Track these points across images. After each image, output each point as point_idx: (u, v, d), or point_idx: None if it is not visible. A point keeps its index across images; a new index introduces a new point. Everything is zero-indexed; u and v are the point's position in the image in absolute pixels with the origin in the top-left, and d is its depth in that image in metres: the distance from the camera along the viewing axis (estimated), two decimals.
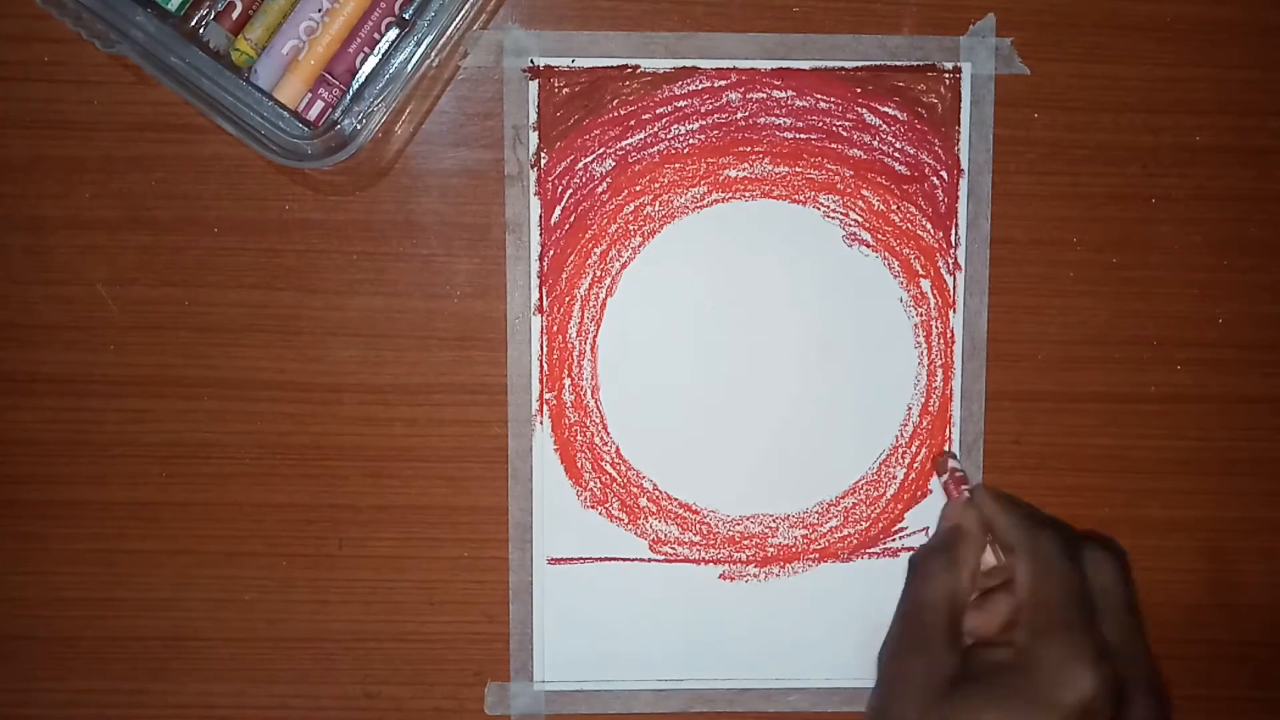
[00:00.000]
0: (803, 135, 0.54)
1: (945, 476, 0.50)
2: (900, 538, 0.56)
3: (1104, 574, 0.41)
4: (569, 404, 0.54)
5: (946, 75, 0.54)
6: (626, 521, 0.55)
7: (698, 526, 0.55)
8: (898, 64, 0.53)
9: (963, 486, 0.48)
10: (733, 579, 0.55)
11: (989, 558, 0.46)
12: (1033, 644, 0.39)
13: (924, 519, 0.55)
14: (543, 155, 0.54)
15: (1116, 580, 0.41)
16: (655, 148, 0.54)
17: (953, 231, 0.54)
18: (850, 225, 0.54)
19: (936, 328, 0.55)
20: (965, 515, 0.45)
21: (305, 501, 0.55)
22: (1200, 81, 0.54)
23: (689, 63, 0.53)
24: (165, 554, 0.55)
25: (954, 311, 0.55)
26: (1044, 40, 0.54)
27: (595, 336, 0.54)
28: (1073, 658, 0.38)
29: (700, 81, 0.53)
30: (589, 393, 0.55)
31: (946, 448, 0.55)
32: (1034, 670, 0.38)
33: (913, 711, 0.39)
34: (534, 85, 0.53)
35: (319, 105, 0.51)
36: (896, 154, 0.54)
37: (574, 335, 0.54)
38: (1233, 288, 0.55)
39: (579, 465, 0.55)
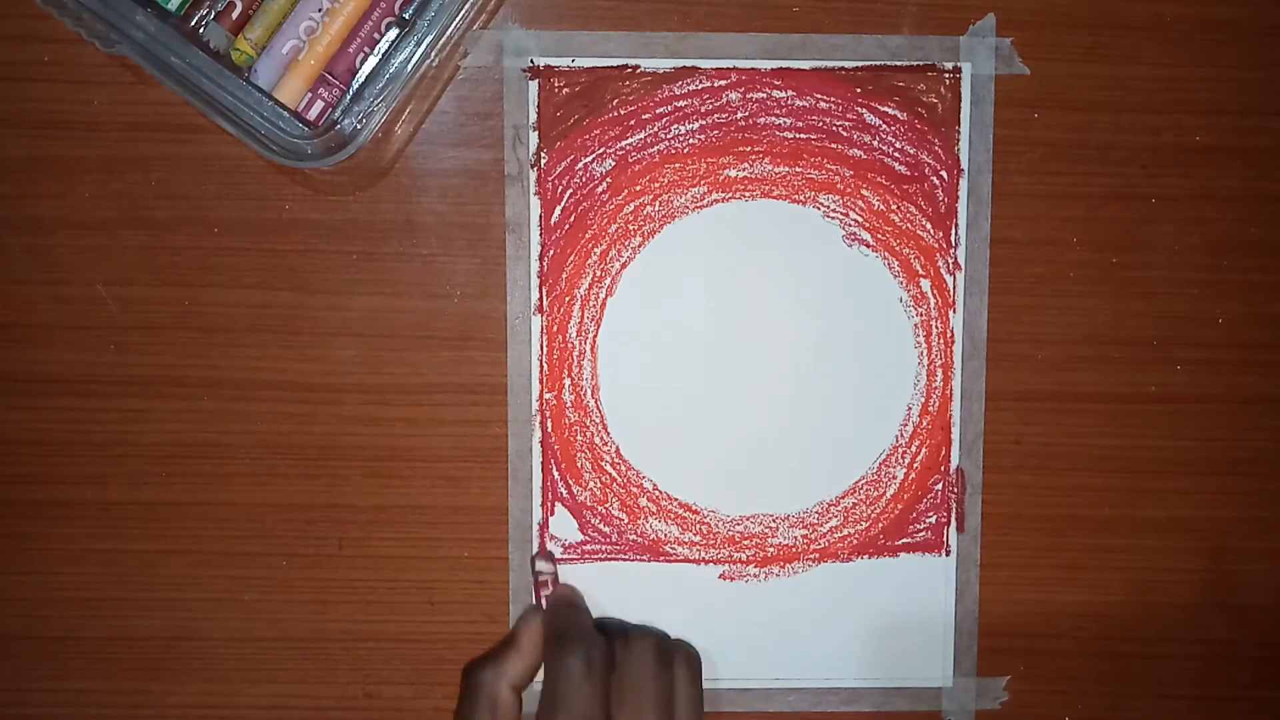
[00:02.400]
0: (803, 135, 0.54)
1: (532, 578, 0.53)
2: (902, 538, 0.56)
3: (632, 670, 0.43)
4: (569, 404, 0.54)
5: (946, 75, 0.54)
6: (626, 521, 0.55)
7: (698, 526, 0.55)
8: (898, 64, 0.53)
9: (542, 593, 0.51)
10: (733, 579, 0.55)
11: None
12: None
13: (924, 519, 0.56)
14: (543, 155, 0.54)
15: (644, 676, 0.43)
16: (655, 148, 0.54)
17: (953, 231, 0.54)
18: (850, 225, 0.54)
19: (936, 328, 0.55)
20: (528, 623, 0.46)
21: (305, 501, 0.55)
22: (1200, 81, 0.54)
23: (689, 63, 0.53)
24: (165, 554, 0.55)
25: (954, 311, 0.55)
26: (1044, 40, 0.54)
27: (595, 336, 0.54)
28: None
29: (700, 81, 0.53)
30: (589, 393, 0.55)
31: (539, 551, 0.55)
32: None
33: None
34: (534, 85, 0.53)
35: (319, 105, 0.51)
36: (896, 154, 0.54)
37: (574, 335, 0.54)
38: (1233, 288, 0.55)
39: (579, 465, 0.55)
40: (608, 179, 0.54)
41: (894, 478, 0.55)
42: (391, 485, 0.55)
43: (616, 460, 0.55)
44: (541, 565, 0.53)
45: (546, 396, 0.54)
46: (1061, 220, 0.55)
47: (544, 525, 0.54)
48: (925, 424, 0.55)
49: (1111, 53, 0.54)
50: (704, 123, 0.54)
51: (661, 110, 0.54)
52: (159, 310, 0.54)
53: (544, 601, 0.52)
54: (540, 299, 0.54)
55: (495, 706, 0.42)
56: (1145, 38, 0.54)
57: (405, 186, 0.54)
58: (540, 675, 0.46)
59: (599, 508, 0.55)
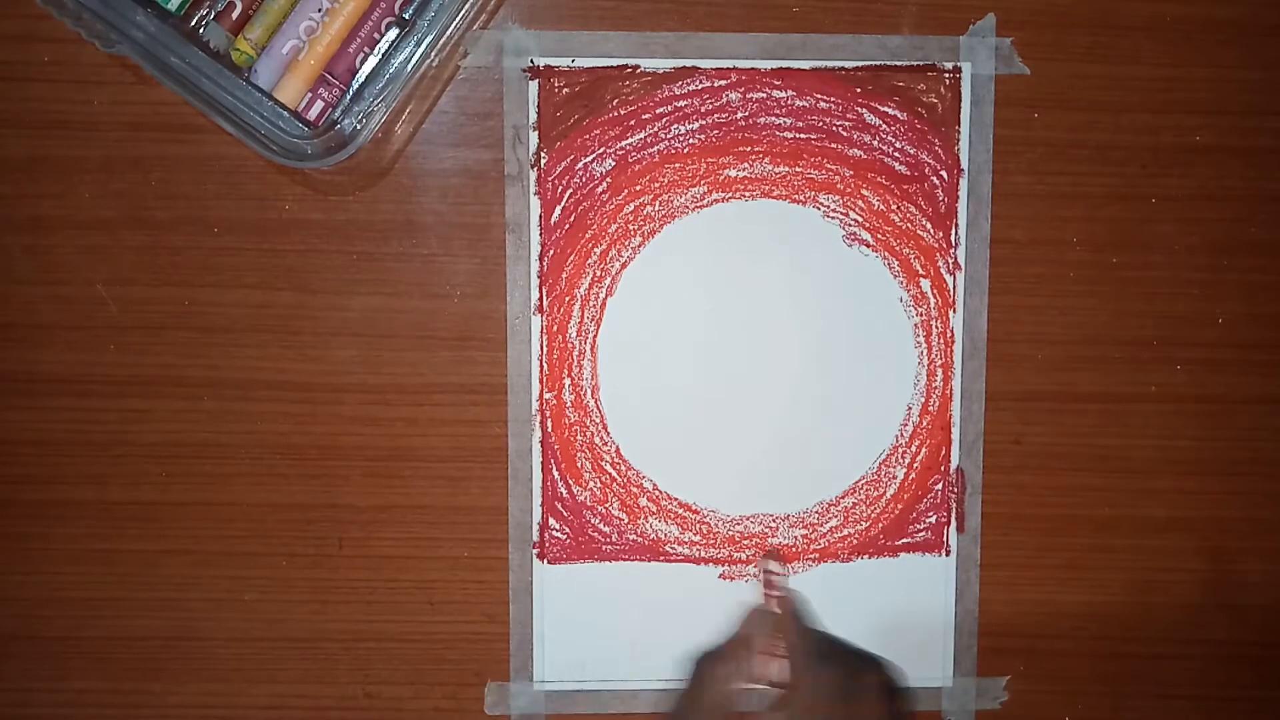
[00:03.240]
0: (803, 135, 0.54)
1: (762, 577, 0.52)
2: (902, 538, 0.56)
3: (869, 703, 0.43)
4: (569, 404, 0.54)
5: (946, 75, 0.54)
6: (626, 521, 0.55)
7: (698, 526, 0.55)
8: (898, 64, 0.53)
9: (773, 592, 0.50)
10: (733, 579, 0.55)
11: (775, 670, 0.48)
12: None
13: (924, 519, 0.55)
14: (543, 155, 0.54)
15: (880, 703, 0.43)
16: (655, 148, 0.54)
17: (953, 231, 0.54)
18: (850, 225, 0.54)
19: (936, 328, 0.55)
20: (761, 625, 0.47)
21: (305, 501, 0.55)
22: (1200, 81, 0.54)
23: (689, 63, 0.53)
24: (165, 554, 0.55)
25: (954, 311, 0.55)
26: (1044, 40, 0.54)
27: (595, 336, 0.54)
28: None
29: (700, 81, 0.53)
30: (589, 393, 0.55)
31: (769, 549, 0.55)
32: None
33: None
34: (534, 85, 0.53)
35: (319, 105, 0.51)
36: (896, 154, 0.54)
37: (574, 335, 0.54)
38: (1233, 288, 0.55)
39: (579, 465, 0.55)
40: (608, 179, 0.54)
41: (894, 478, 0.55)
42: (391, 485, 0.55)
43: (616, 460, 0.55)
44: (772, 566, 0.53)
45: (546, 396, 0.54)
46: (1061, 220, 0.55)
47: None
48: (925, 424, 0.55)
49: (1111, 53, 0.54)
50: (704, 123, 0.54)
51: (661, 110, 0.54)
52: (159, 310, 0.54)
53: (773, 603, 0.51)
54: (540, 299, 0.54)
55: (724, 697, 0.44)
56: (1145, 38, 0.54)
57: (405, 186, 0.54)
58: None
59: (599, 508, 0.55)
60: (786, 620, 0.47)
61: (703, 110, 0.54)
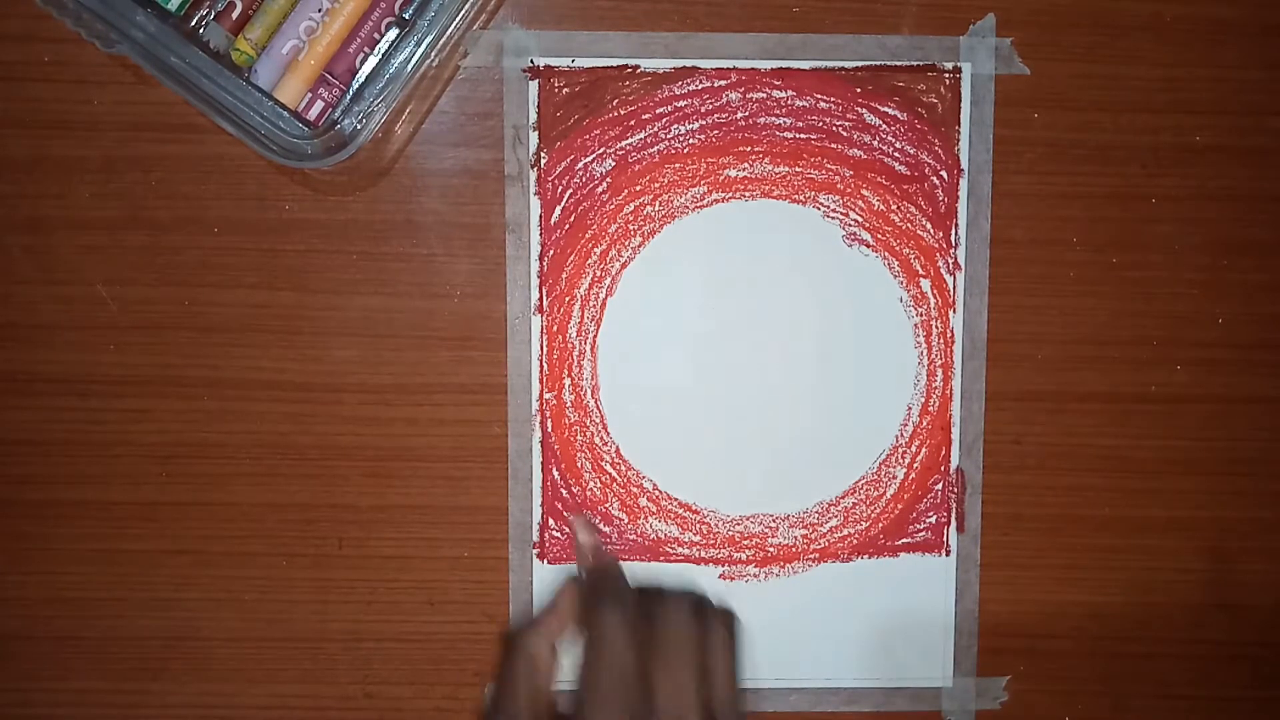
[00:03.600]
0: (803, 135, 0.54)
1: (576, 541, 0.53)
2: (902, 538, 0.56)
3: (671, 626, 0.41)
4: (569, 404, 0.54)
5: (946, 75, 0.54)
6: (626, 521, 0.55)
7: (698, 526, 0.55)
8: (898, 64, 0.53)
9: (584, 558, 0.50)
10: (733, 579, 0.55)
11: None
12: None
13: (924, 519, 0.55)
14: (543, 155, 0.54)
15: (683, 632, 0.41)
16: (655, 148, 0.54)
17: (953, 231, 0.54)
18: (850, 225, 0.54)
19: (936, 328, 0.55)
20: (566, 587, 0.46)
21: (305, 501, 0.55)
22: (1200, 81, 0.54)
23: (689, 63, 0.53)
24: (165, 554, 0.55)
25: (954, 311, 0.55)
26: (1044, 40, 0.54)
27: (595, 336, 0.54)
28: None
29: (700, 81, 0.53)
30: (589, 393, 0.55)
31: (582, 518, 0.55)
32: None
33: None
34: (534, 85, 0.53)
35: (319, 105, 0.51)
36: (896, 154, 0.54)
37: (574, 335, 0.54)
38: (1233, 288, 0.55)
39: (579, 465, 0.55)
40: (608, 179, 0.54)
41: (894, 478, 0.55)
42: (391, 485, 0.55)
43: (616, 460, 0.55)
44: (580, 530, 0.53)
45: (546, 396, 0.54)
46: (1061, 220, 0.55)
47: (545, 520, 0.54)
48: (925, 424, 0.55)
49: (1111, 53, 0.54)
50: (704, 123, 0.54)
51: (661, 110, 0.54)
52: (159, 310, 0.54)
53: (583, 568, 0.51)
54: (540, 299, 0.54)
55: (533, 662, 0.42)
56: (1145, 38, 0.54)
57: (405, 186, 0.54)
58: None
59: (599, 508, 0.55)
60: (596, 570, 0.45)
61: (703, 110, 0.54)
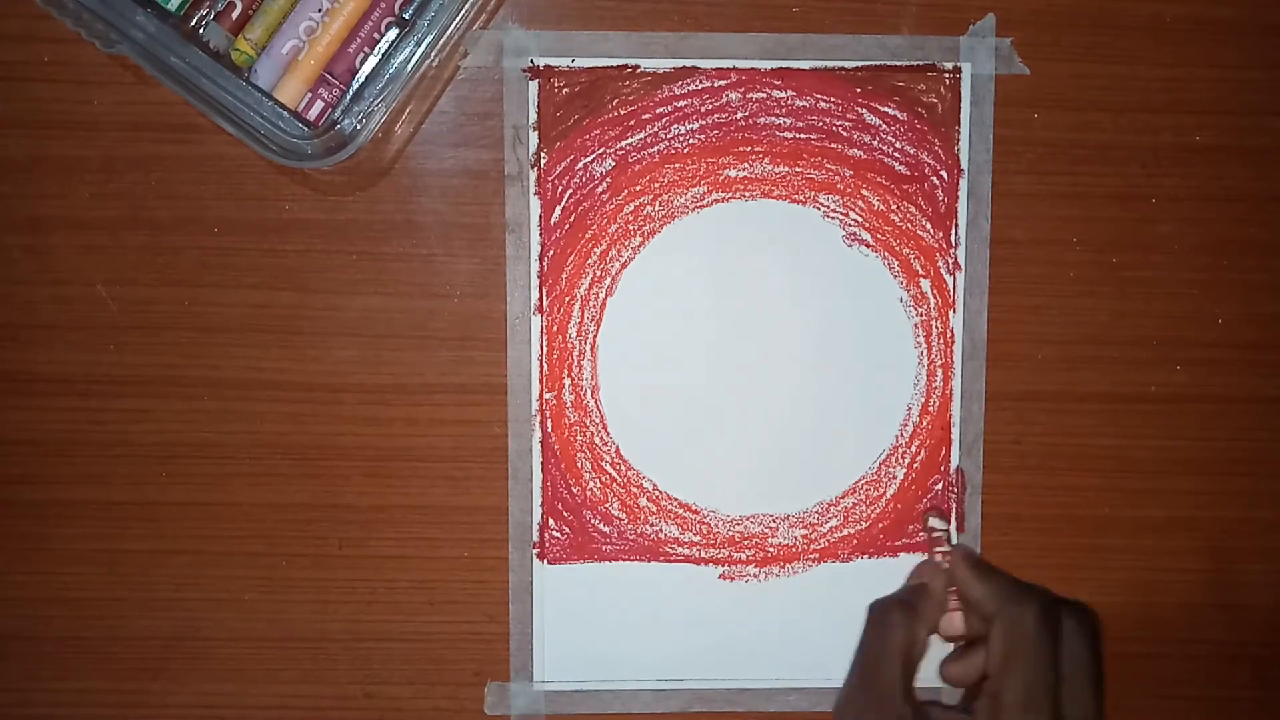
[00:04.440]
0: (803, 135, 0.54)
1: (926, 535, 0.51)
2: (902, 538, 0.56)
3: (1076, 645, 0.41)
4: (569, 404, 0.54)
5: (946, 75, 0.54)
6: (626, 521, 0.55)
7: (698, 526, 0.55)
8: (898, 64, 0.53)
9: (939, 549, 0.50)
10: (733, 579, 0.55)
11: (957, 622, 0.47)
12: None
13: (924, 522, 0.55)
14: (543, 155, 0.54)
15: (1086, 652, 0.42)
16: (655, 148, 0.54)
17: (953, 231, 0.54)
18: (850, 225, 0.54)
19: (936, 328, 0.55)
20: (935, 577, 0.46)
21: (305, 501, 0.55)
22: (1200, 81, 0.54)
23: (689, 63, 0.53)
24: (165, 554, 0.55)
25: (954, 311, 0.55)
26: (1044, 40, 0.54)
27: (595, 336, 0.54)
28: None
29: (700, 81, 0.53)
30: (589, 393, 0.55)
31: (930, 506, 0.55)
32: None
33: None
34: (534, 85, 0.53)
35: (319, 105, 0.51)
36: (896, 154, 0.54)
37: (574, 335, 0.54)
38: (1233, 288, 0.55)
39: (579, 465, 0.55)
40: (608, 179, 0.54)
41: (894, 478, 0.55)
42: (391, 485, 0.55)
43: (616, 460, 0.55)
44: (935, 522, 0.53)
45: (546, 396, 0.54)
46: (1061, 220, 0.55)
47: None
48: (925, 424, 0.55)
49: (1111, 53, 0.54)
50: (704, 123, 0.54)
51: (661, 110, 0.54)
52: (159, 310, 0.54)
53: (943, 558, 0.51)
54: (540, 299, 0.54)
55: (911, 649, 0.43)
56: (1145, 38, 0.54)
57: (405, 186, 0.54)
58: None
59: (599, 508, 0.55)
60: (958, 573, 0.46)
61: (703, 110, 0.54)
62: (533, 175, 0.54)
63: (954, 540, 0.54)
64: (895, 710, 0.41)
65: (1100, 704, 0.41)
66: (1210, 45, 0.54)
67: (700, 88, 0.54)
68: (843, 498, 0.55)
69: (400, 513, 0.55)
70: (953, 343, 0.55)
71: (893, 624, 0.43)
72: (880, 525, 0.56)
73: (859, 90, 0.54)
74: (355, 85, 0.51)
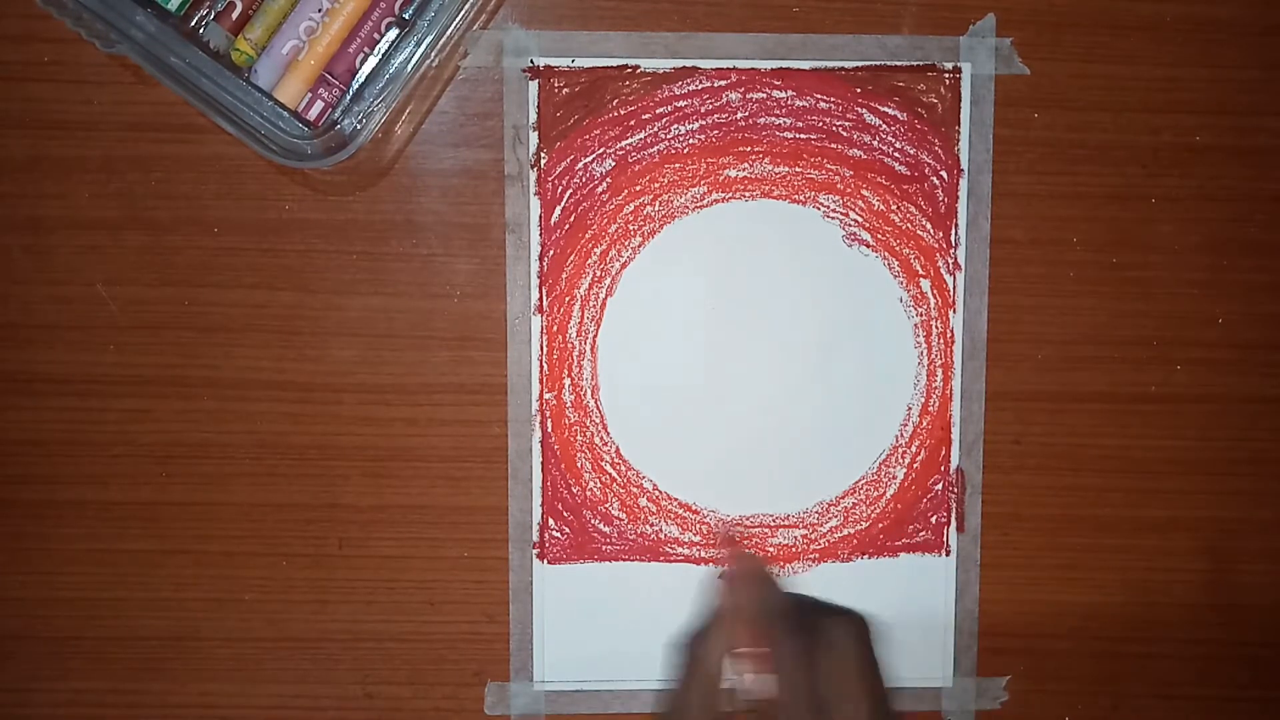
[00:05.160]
0: (803, 135, 0.54)
1: (721, 541, 0.53)
2: (902, 538, 0.56)
3: (839, 653, 0.42)
4: (569, 404, 0.54)
5: (946, 75, 0.54)
6: (626, 521, 0.55)
7: (698, 526, 0.55)
8: (898, 64, 0.53)
9: (731, 566, 0.49)
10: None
11: (749, 682, 0.46)
12: None
13: (924, 519, 0.56)
14: (543, 155, 0.54)
15: (852, 658, 0.42)
16: (655, 148, 0.54)
17: (953, 231, 0.54)
18: (850, 225, 0.54)
19: (936, 328, 0.55)
20: (736, 596, 0.46)
21: (305, 501, 0.55)
22: (1200, 81, 0.54)
23: (689, 63, 0.53)
24: (165, 554, 0.55)
25: (954, 311, 0.55)
26: (1044, 40, 0.54)
27: (595, 336, 0.54)
28: None
29: (700, 81, 0.53)
30: (589, 393, 0.55)
31: (723, 525, 0.55)
32: None
33: None
34: (534, 85, 0.53)
35: (319, 105, 0.51)
36: (896, 154, 0.54)
37: (574, 335, 0.54)
38: (1233, 288, 0.55)
39: (579, 465, 0.55)
40: (608, 179, 0.54)
41: (894, 478, 0.55)
42: (391, 485, 0.55)
43: (616, 460, 0.55)
44: (725, 544, 0.54)
45: (546, 396, 0.54)
46: (1061, 220, 0.55)
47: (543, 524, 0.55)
48: (925, 424, 0.55)
49: (1111, 53, 0.54)
50: (704, 123, 0.54)
51: (661, 110, 0.54)
52: (159, 310, 0.54)
53: (731, 573, 0.50)
54: (540, 299, 0.54)
55: (710, 675, 0.43)
56: (1145, 38, 0.54)
57: (405, 186, 0.54)
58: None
59: (599, 508, 0.55)
60: (748, 589, 0.46)
61: (703, 110, 0.54)
62: (533, 175, 0.54)
63: (739, 556, 0.54)
64: None
65: (882, 696, 0.42)
66: (1210, 45, 0.54)
67: (700, 88, 0.54)
68: (843, 498, 0.55)
69: (400, 513, 0.55)
70: (953, 343, 0.55)
71: (699, 658, 0.44)
72: (880, 525, 0.56)
73: (859, 90, 0.54)
74: (355, 85, 0.51)
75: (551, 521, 0.55)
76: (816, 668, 0.41)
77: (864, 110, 0.54)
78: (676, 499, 0.55)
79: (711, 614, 0.45)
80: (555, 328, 0.54)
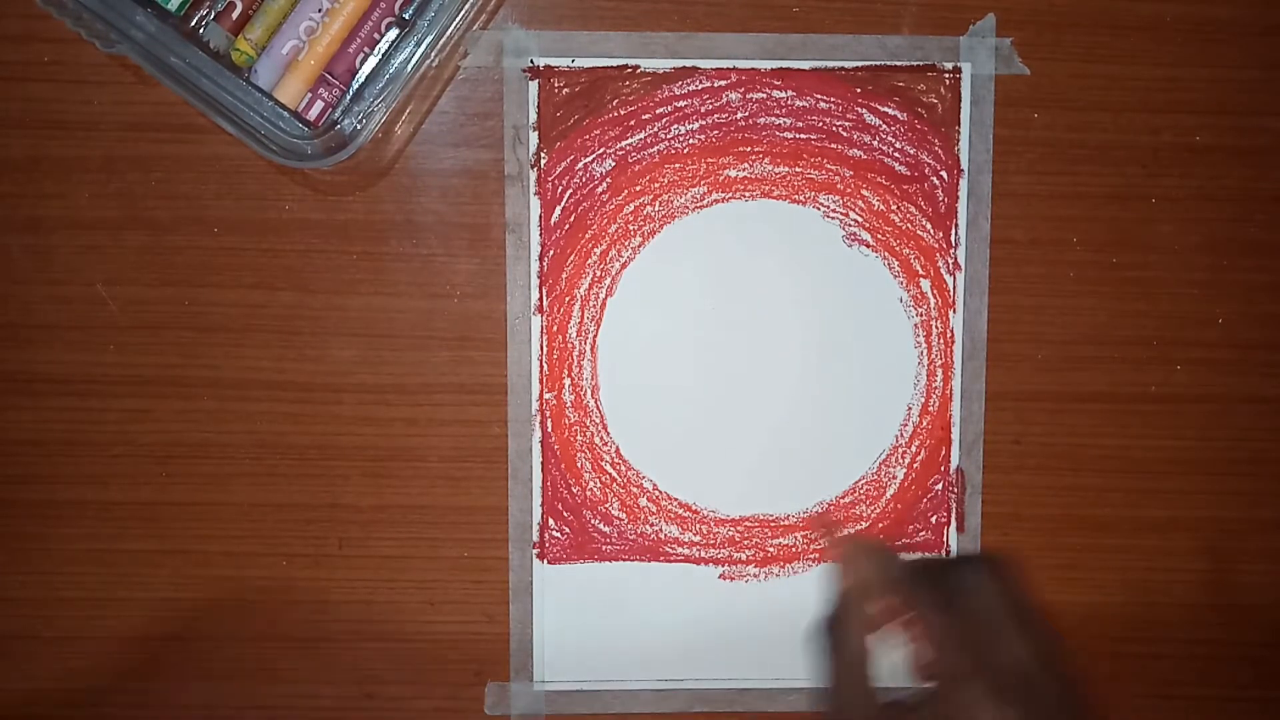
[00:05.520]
0: (803, 135, 0.54)
1: (819, 527, 0.53)
2: (902, 538, 0.56)
3: (987, 597, 0.41)
4: (569, 404, 0.54)
5: (946, 75, 0.54)
6: (626, 521, 0.55)
7: (698, 526, 0.55)
8: (898, 64, 0.53)
9: (840, 536, 0.49)
10: (733, 579, 0.55)
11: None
12: (944, 695, 0.39)
13: (924, 519, 0.56)
14: (543, 155, 0.54)
15: (994, 596, 0.41)
16: (655, 148, 0.54)
17: (953, 231, 0.54)
18: (850, 225, 0.54)
19: (936, 328, 0.55)
20: (858, 570, 0.45)
21: (305, 501, 0.55)
22: (1200, 81, 0.54)
23: (689, 63, 0.53)
24: (165, 554, 0.55)
25: (954, 311, 0.55)
26: (1044, 40, 0.54)
27: (595, 336, 0.54)
28: (977, 704, 0.38)
29: (700, 81, 0.53)
30: (589, 393, 0.55)
31: (821, 508, 0.55)
32: None
33: None
34: (534, 85, 0.53)
35: (319, 105, 0.51)
36: (896, 154, 0.54)
37: (574, 335, 0.54)
38: (1233, 288, 0.55)
39: (579, 465, 0.55)
40: (608, 179, 0.54)
41: (894, 478, 0.55)
42: (391, 485, 0.55)
43: (616, 460, 0.55)
44: (827, 531, 0.54)
45: (546, 396, 0.54)
46: (1061, 220, 0.55)
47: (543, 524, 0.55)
48: (925, 424, 0.55)
49: (1111, 53, 0.54)
50: (704, 123, 0.54)
51: (661, 110, 0.54)
52: (159, 310, 0.54)
53: (845, 553, 0.49)
54: (540, 299, 0.54)
55: (858, 662, 0.42)
56: (1145, 38, 0.54)
57: (405, 186, 0.54)
58: None
59: (599, 508, 0.55)
60: (867, 562, 0.45)
61: (703, 110, 0.54)
62: (533, 175, 0.54)
63: (845, 537, 0.54)
64: (874, 714, 0.41)
65: (1039, 634, 0.41)
66: (1210, 45, 0.54)
67: (700, 88, 0.54)
68: (843, 498, 0.55)
69: (400, 513, 0.55)
70: (953, 343, 0.55)
71: (851, 633, 0.43)
72: (880, 525, 0.56)
73: (859, 90, 0.54)
74: (355, 85, 0.51)
75: (551, 521, 0.55)
76: (962, 616, 0.40)
77: (864, 110, 0.54)
78: (676, 499, 0.55)
79: (838, 598, 0.44)
80: (555, 328, 0.54)
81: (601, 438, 0.55)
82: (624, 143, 0.54)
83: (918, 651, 0.42)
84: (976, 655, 0.39)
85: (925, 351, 0.55)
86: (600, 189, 0.54)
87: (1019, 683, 0.39)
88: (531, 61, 0.53)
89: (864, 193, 0.54)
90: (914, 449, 0.55)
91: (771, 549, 0.55)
